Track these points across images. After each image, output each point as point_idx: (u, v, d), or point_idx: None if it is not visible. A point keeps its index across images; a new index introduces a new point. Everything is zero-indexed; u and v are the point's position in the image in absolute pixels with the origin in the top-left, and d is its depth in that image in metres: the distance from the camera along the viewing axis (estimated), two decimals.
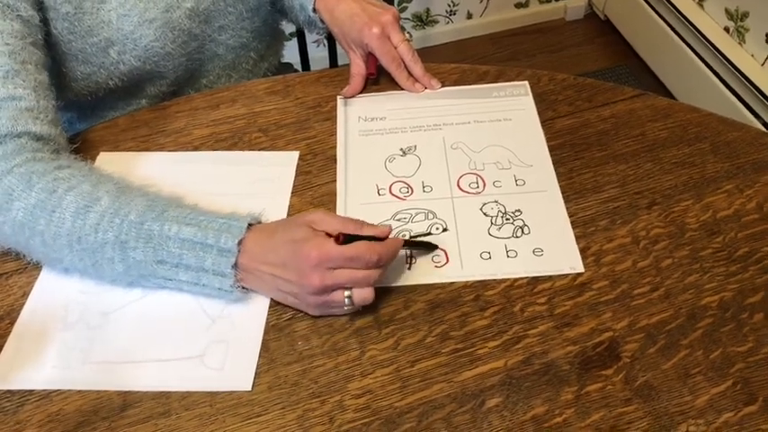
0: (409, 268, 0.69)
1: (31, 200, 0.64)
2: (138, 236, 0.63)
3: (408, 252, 0.70)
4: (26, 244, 0.67)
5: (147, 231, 0.63)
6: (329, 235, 0.62)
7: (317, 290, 0.61)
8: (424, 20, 2.22)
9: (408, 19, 2.20)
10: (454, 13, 2.24)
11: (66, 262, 0.67)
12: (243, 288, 0.65)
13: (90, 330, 0.66)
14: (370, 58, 0.88)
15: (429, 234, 0.72)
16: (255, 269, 0.63)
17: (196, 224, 0.63)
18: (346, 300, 0.62)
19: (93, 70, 0.84)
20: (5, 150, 0.67)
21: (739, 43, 1.77)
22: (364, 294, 0.62)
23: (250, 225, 0.64)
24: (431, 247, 0.70)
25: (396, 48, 0.86)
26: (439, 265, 0.69)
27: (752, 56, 1.73)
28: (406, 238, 0.71)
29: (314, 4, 0.90)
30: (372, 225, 0.65)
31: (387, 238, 0.64)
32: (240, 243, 0.62)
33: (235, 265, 0.63)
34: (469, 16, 2.27)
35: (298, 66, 1.28)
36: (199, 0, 0.86)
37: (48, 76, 0.74)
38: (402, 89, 0.88)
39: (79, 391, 0.61)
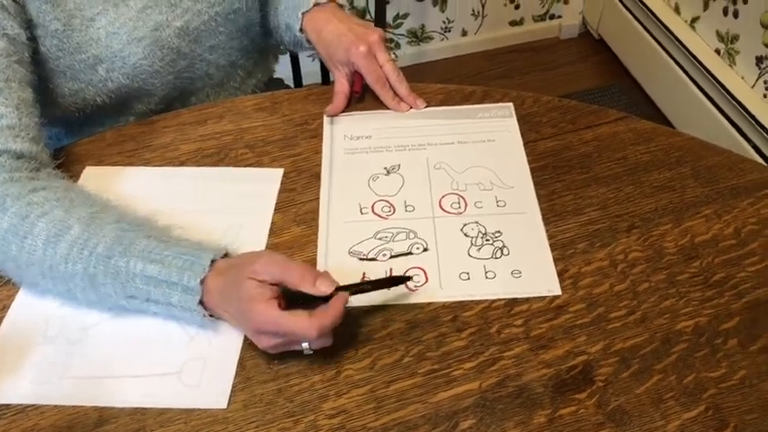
0: (388, 288, 0.69)
1: (4, 224, 0.65)
2: (105, 271, 0.63)
3: (387, 271, 0.70)
4: (2, 266, 0.68)
5: (114, 267, 0.63)
6: (275, 284, 0.61)
7: (268, 348, 0.62)
8: (419, 36, 2.24)
9: (403, 35, 2.22)
10: (449, 30, 2.26)
11: (42, 287, 0.68)
12: (213, 318, 0.65)
13: (70, 345, 0.66)
14: (355, 76, 0.89)
15: (410, 254, 0.73)
16: (219, 312, 0.64)
17: (160, 260, 0.63)
18: (304, 347, 0.61)
19: (81, 87, 0.84)
20: None
21: (729, 65, 1.79)
22: (320, 344, 0.61)
23: (213, 261, 0.63)
24: (395, 282, 0.67)
25: (381, 67, 0.87)
26: (418, 284, 0.70)
27: (742, 78, 1.75)
28: (356, 284, 0.66)
29: (301, 25, 0.91)
30: (314, 278, 0.61)
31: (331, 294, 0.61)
32: (203, 281, 0.62)
33: (202, 302, 0.63)
34: (464, 33, 2.29)
35: (290, 78, 1.29)
36: (189, 19, 0.87)
37: (32, 93, 0.75)
38: (388, 108, 0.89)
39: (56, 406, 0.61)
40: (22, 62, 0.75)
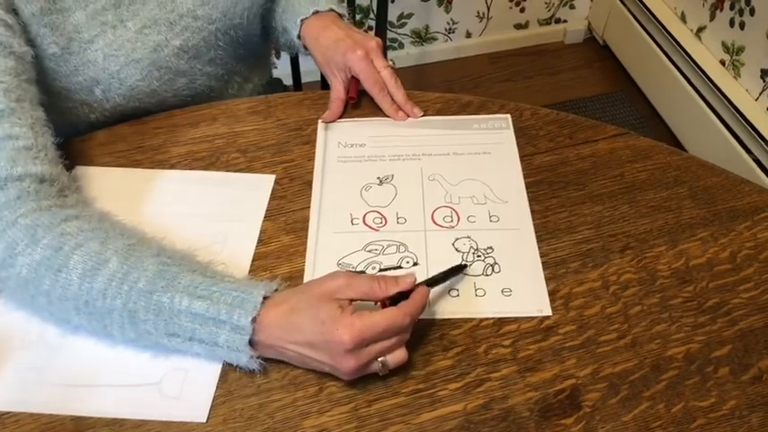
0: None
1: (36, 256, 0.61)
2: (147, 307, 0.60)
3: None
4: (31, 302, 0.65)
5: (157, 303, 0.60)
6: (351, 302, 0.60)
7: (353, 371, 0.59)
8: (422, 36, 2.22)
9: (407, 35, 2.20)
10: (453, 31, 2.25)
11: (75, 323, 0.64)
12: (261, 360, 0.62)
13: (49, 350, 0.65)
14: (351, 82, 0.88)
15: (399, 267, 0.71)
16: (279, 347, 0.60)
17: (208, 296, 0.60)
18: (381, 366, 0.60)
19: (76, 106, 0.82)
20: (8, 197, 0.63)
21: (734, 77, 1.77)
22: (398, 358, 0.60)
23: (266, 298, 0.61)
24: (458, 270, 0.69)
25: (379, 72, 0.86)
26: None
27: (746, 90, 1.73)
28: (430, 278, 0.66)
29: (299, 32, 0.90)
30: (396, 280, 0.61)
31: (412, 289, 0.62)
32: (255, 320, 0.59)
33: (251, 342, 0.60)
34: (468, 35, 2.27)
35: (289, 76, 1.28)
36: (188, 37, 0.85)
37: (43, 112, 0.72)
38: (384, 116, 0.88)
39: (32, 414, 0.60)
40: (31, 81, 0.72)
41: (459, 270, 0.69)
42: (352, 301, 0.60)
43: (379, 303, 0.61)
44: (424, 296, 0.62)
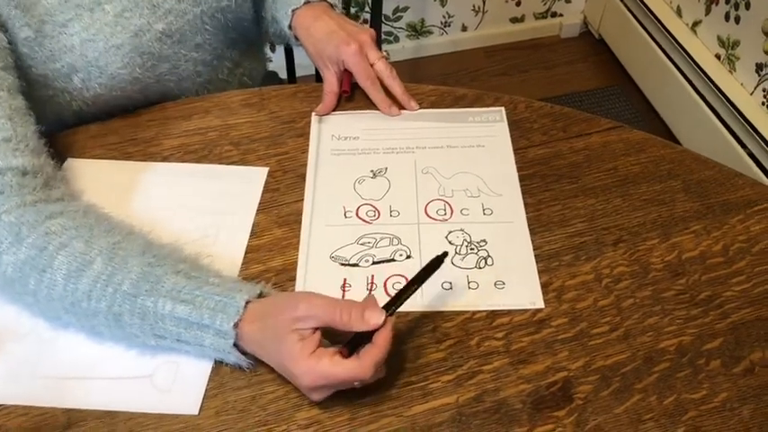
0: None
1: (21, 255, 0.61)
2: (132, 311, 0.60)
3: (369, 277, 0.69)
4: (19, 299, 0.65)
5: (141, 307, 0.60)
6: (317, 329, 0.57)
7: (321, 399, 0.59)
8: (418, 30, 2.22)
9: (403, 29, 2.19)
10: (449, 25, 2.24)
11: (64, 320, 0.64)
12: (250, 361, 0.61)
13: (41, 343, 0.65)
14: (345, 75, 0.87)
15: (393, 260, 0.71)
16: (256, 355, 0.61)
17: (191, 301, 0.59)
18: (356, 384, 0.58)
19: (56, 93, 0.80)
20: None
21: (729, 71, 1.77)
22: (375, 377, 0.58)
23: (247, 303, 0.60)
24: (439, 262, 0.63)
25: (372, 65, 0.86)
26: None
27: (741, 84, 1.73)
28: (413, 278, 0.62)
29: (290, 22, 0.89)
30: (362, 311, 0.57)
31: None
32: (237, 325, 0.58)
33: (235, 344, 0.60)
34: (464, 28, 2.27)
35: (283, 68, 1.27)
36: (171, 21, 0.82)
37: (23, 100, 0.71)
38: (378, 109, 0.87)
39: (23, 407, 0.60)
40: (8, 68, 0.71)
41: (439, 262, 0.63)
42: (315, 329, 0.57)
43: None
44: (388, 338, 0.57)
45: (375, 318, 0.57)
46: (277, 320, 0.58)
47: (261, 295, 0.62)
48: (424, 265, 0.63)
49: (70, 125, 0.85)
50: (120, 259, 0.61)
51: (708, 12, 1.82)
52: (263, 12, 0.96)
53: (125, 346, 0.64)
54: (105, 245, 0.62)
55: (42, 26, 0.75)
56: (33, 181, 0.66)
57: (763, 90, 1.66)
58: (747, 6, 1.67)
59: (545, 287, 0.69)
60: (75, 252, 0.61)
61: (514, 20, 2.31)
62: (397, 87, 0.87)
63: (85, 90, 0.80)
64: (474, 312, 0.67)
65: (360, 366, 0.55)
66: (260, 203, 0.77)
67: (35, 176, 0.67)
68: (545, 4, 2.29)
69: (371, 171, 0.80)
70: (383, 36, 2.18)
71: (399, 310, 0.60)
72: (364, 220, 0.75)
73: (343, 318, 0.56)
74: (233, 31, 0.92)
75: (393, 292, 0.67)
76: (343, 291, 0.68)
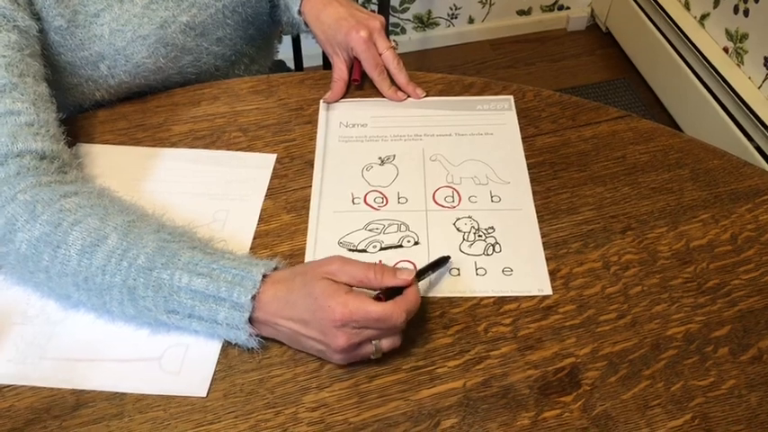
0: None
1: (35, 232, 0.61)
2: (146, 284, 0.60)
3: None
4: (31, 277, 0.65)
5: (157, 280, 0.60)
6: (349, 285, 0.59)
7: (344, 349, 0.58)
8: (425, 21, 2.21)
9: (409, 20, 2.19)
10: (456, 17, 2.24)
11: (75, 299, 0.64)
12: (260, 338, 0.61)
13: (50, 325, 0.65)
14: (355, 64, 0.87)
15: (400, 246, 0.71)
16: (273, 324, 0.60)
17: (208, 274, 0.59)
18: (374, 349, 0.59)
19: (81, 82, 0.81)
20: (8, 173, 0.64)
21: (737, 65, 1.76)
22: (392, 343, 0.60)
23: (265, 276, 0.60)
24: (443, 262, 0.67)
25: (381, 54, 0.86)
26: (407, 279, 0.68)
27: (749, 78, 1.73)
28: (417, 270, 0.64)
29: (300, 7, 0.89)
30: (394, 272, 0.60)
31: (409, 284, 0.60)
32: (255, 297, 0.59)
33: (250, 319, 0.60)
34: (471, 21, 2.26)
35: (291, 59, 1.27)
36: (195, 14, 0.84)
37: (47, 87, 0.72)
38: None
39: (32, 388, 0.61)
40: (35, 56, 0.72)
41: (443, 262, 0.67)
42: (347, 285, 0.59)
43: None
44: (418, 295, 0.60)
45: (406, 274, 0.60)
46: (307, 276, 0.59)
47: (276, 269, 0.62)
48: (432, 259, 0.66)
49: (85, 112, 0.86)
50: (135, 235, 0.62)
51: (716, 4, 1.82)
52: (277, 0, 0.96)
53: (134, 326, 0.64)
54: (120, 222, 0.62)
55: (75, 16, 0.77)
56: (50, 165, 0.67)
57: None
58: None
59: (553, 274, 0.69)
60: (89, 228, 0.61)
61: (521, 12, 2.30)
62: (402, 78, 0.87)
63: (111, 77, 0.82)
64: (482, 298, 0.67)
65: (394, 309, 0.57)
66: (268, 189, 0.77)
67: (52, 161, 0.68)
68: None
69: (379, 158, 0.80)
70: (390, 28, 2.18)
71: None
72: (372, 207, 0.75)
73: (376, 274, 0.59)
74: (251, 26, 0.94)
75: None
76: None
